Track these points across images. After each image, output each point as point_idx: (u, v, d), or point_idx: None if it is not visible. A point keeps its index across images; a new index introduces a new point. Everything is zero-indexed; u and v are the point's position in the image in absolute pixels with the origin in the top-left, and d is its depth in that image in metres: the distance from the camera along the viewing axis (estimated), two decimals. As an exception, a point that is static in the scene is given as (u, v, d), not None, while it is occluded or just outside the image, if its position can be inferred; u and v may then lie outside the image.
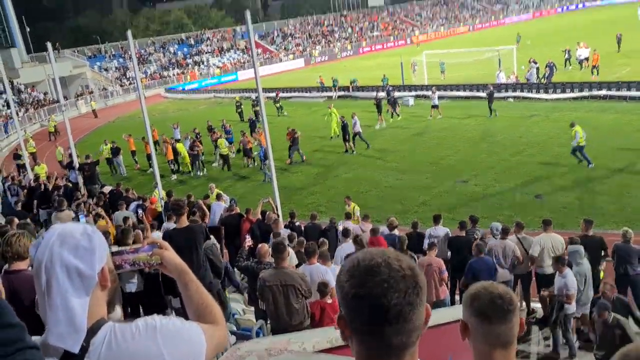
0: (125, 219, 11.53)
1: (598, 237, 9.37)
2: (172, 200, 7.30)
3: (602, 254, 9.23)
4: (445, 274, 9.00)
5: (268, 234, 10.67)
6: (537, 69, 31.74)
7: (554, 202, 14.92)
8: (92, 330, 1.48)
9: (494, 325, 1.66)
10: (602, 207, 14.08)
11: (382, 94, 29.78)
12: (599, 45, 34.73)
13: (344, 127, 22.96)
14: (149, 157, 24.04)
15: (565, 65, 34.61)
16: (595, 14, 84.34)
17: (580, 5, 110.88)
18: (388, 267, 1.24)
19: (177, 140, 24.93)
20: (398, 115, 28.48)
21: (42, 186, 15.42)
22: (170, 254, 1.80)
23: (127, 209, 13.67)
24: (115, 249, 1.73)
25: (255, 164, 22.84)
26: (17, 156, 26.12)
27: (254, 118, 27.92)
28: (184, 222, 7.01)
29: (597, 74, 30.29)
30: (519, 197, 15.62)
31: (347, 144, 23.11)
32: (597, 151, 18.52)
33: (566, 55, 35.24)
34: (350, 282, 1.24)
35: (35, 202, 14.89)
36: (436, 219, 10.88)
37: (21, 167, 24.46)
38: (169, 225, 9.64)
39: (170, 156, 23.40)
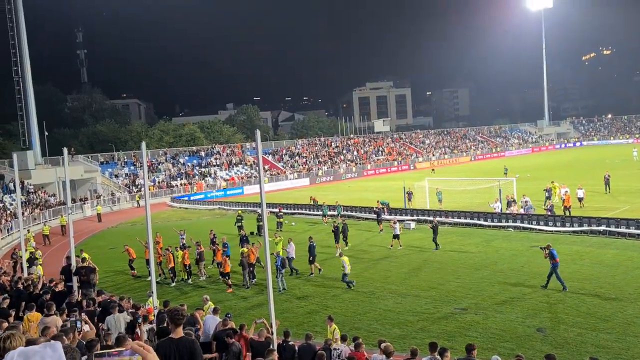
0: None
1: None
2: (172, 309, 7.17)
3: None
4: None
5: (262, 351, 10.33)
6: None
7: (556, 336, 14.50)
8: None
9: None
10: (605, 345, 13.66)
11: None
12: (589, 185, 35.93)
13: (310, 249, 23.16)
14: (147, 262, 23.99)
15: (545, 203, 34.02)
16: (591, 153, 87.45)
17: (578, 144, 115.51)
18: None
19: (183, 247, 24.86)
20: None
21: (30, 288, 15.16)
22: (153, 357, 1.79)
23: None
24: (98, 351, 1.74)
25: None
26: (14, 256, 26.01)
27: (245, 234, 28.32)
28: (180, 332, 6.85)
29: (569, 214, 30.59)
30: (520, 329, 15.22)
31: (312, 266, 23.14)
32: (597, 287, 18.37)
33: (547, 194, 35.37)
34: None
35: (23, 303, 14.57)
36: (432, 347, 10.55)
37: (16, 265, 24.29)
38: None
39: (171, 264, 23.28)
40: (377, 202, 36.49)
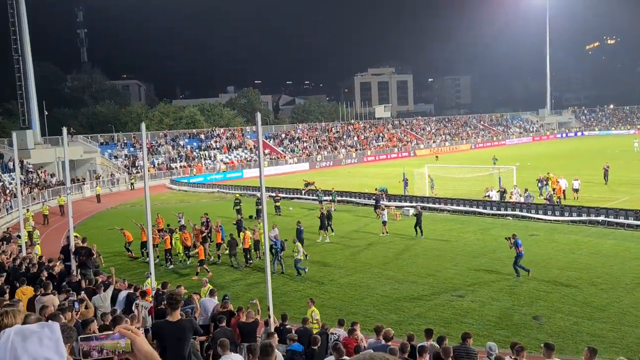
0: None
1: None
2: (168, 293, 7.23)
3: None
4: None
5: (250, 333, 10.53)
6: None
7: (552, 324, 14.58)
8: None
9: None
10: (601, 334, 13.74)
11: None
12: (588, 175, 35.85)
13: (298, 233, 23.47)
14: (143, 244, 24.05)
15: (541, 193, 34.18)
16: (592, 143, 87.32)
17: (579, 134, 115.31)
18: None
19: (182, 227, 24.87)
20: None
21: (25, 267, 15.20)
22: (142, 340, 1.76)
23: (116, 298, 13.43)
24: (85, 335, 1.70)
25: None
26: (5, 237, 25.95)
27: (241, 219, 28.37)
28: (177, 315, 6.91)
29: (559, 202, 31.04)
30: (516, 317, 15.29)
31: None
32: (594, 277, 18.45)
33: (539, 184, 34.97)
34: None
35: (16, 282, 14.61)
36: (428, 334, 10.62)
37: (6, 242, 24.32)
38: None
39: (168, 246, 23.33)
40: (376, 189, 36.48)
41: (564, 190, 32.99)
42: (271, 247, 20.93)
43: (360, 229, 29.05)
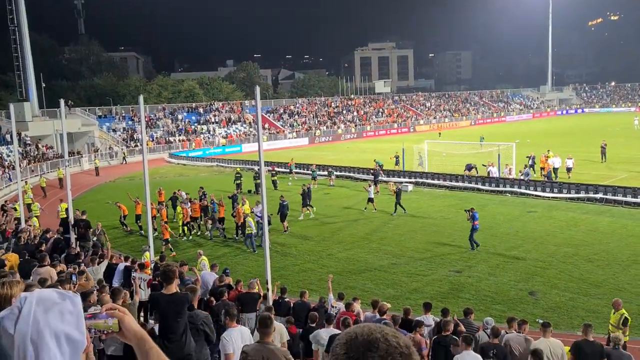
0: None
1: (599, 344, 9.07)
2: (163, 266, 7.24)
3: None
4: (425, 351, 8.93)
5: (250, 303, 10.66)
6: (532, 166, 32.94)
7: (547, 300, 14.72)
8: None
9: None
10: (596, 309, 13.87)
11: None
12: (586, 153, 35.68)
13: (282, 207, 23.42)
14: (138, 217, 24.09)
15: (524, 168, 33.20)
16: (592, 120, 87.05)
17: (580, 111, 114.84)
18: (386, 342, 1.23)
19: (190, 200, 24.98)
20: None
21: (23, 239, 15.24)
22: (130, 319, 1.72)
23: (113, 272, 13.50)
24: None
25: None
26: (2, 207, 26.00)
27: (238, 192, 28.52)
28: (172, 289, 6.93)
29: (546, 178, 31.27)
30: (512, 293, 15.42)
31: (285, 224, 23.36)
32: (591, 254, 18.56)
33: (530, 162, 34.16)
34: (347, 355, 1.23)
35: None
36: (427, 307, 10.70)
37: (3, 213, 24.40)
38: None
39: (165, 219, 23.34)
40: (374, 161, 36.38)
41: (556, 169, 32.62)
42: (257, 223, 21.20)
43: (357, 204, 29.06)
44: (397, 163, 39.11)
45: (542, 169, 33.05)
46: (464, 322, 10.22)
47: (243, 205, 23.11)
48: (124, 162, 55.09)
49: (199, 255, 15.59)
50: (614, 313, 10.91)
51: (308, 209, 26.27)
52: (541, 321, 9.46)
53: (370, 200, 26.76)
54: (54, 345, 1.37)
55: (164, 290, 7.08)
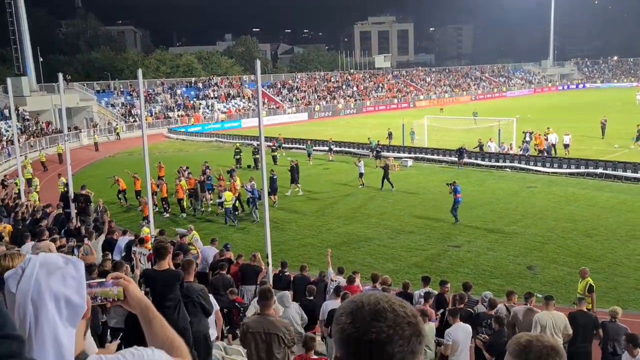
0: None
1: (593, 315, 9.21)
2: (156, 241, 7.20)
3: (595, 332, 9.04)
4: (435, 323, 9.26)
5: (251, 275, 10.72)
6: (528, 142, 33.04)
7: (545, 274, 14.83)
8: None
9: None
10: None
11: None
12: (586, 129, 35.54)
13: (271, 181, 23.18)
14: (137, 193, 24.09)
15: (522, 144, 33.28)
16: (593, 96, 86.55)
17: (581, 86, 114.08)
18: (394, 312, 1.22)
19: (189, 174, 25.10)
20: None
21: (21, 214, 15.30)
22: (134, 288, 1.76)
23: (113, 246, 13.56)
24: None
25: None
26: (3, 182, 26.03)
27: (236, 167, 28.75)
28: (165, 265, 6.91)
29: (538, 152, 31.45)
30: (511, 267, 15.53)
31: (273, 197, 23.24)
32: (590, 229, 18.64)
33: (526, 138, 33.80)
34: (353, 324, 1.21)
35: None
36: (425, 281, 10.79)
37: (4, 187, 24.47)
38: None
39: (165, 194, 23.36)
40: (368, 139, 36.35)
41: (553, 145, 32.36)
42: (249, 199, 21.66)
43: (356, 180, 29.05)
44: (389, 137, 38.90)
45: (537, 145, 32.80)
46: (463, 296, 10.33)
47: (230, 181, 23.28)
48: (118, 137, 54.67)
49: (190, 230, 15.65)
50: (580, 282, 11.44)
51: (297, 186, 26.15)
52: (540, 295, 9.58)
53: (360, 175, 26.76)
54: (53, 306, 1.40)
55: (155, 267, 7.06)
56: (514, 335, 1.77)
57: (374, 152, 32.79)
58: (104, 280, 1.71)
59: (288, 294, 10.25)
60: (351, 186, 27.34)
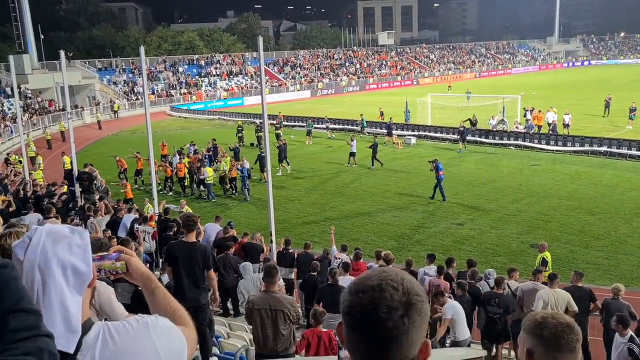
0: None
1: (587, 289, 9.32)
2: (184, 215, 7.27)
3: (591, 306, 9.13)
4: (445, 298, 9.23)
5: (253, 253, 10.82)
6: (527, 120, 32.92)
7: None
8: (84, 329, 1.46)
9: (564, 354, 1.66)
10: (596, 262, 14.04)
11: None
12: (590, 106, 35.29)
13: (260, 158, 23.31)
14: (137, 172, 24.09)
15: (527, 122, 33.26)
16: (599, 73, 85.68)
17: (586, 63, 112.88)
18: (403, 287, 1.23)
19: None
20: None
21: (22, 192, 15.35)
22: (136, 260, 1.79)
23: (118, 224, 13.61)
24: None
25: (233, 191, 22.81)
26: (6, 160, 26.11)
27: (239, 145, 28.84)
28: (192, 237, 6.96)
29: (538, 130, 31.26)
30: (514, 245, 15.57)
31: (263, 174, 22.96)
32: (593, 207, 18.62)
33: (526, 116, 33.69)
34: (361, 301, 1.23)
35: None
36: (430, 258, 10.84)
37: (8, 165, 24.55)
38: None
39: (169, 173, 23.39)
40: (360, 115, 36.35)
41: (550, 123, 31.52)
42: (242, 178, 21.76)
43: (363, 157, 28.99)
44: (381, 115, 38.52)
45: (535, 124, 32.34)
46: (475, 272, 10.42)
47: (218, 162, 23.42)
48: (116, 116, 53.95)
49: (182, 205, 15.73)
50: (537, 255, 12.20)
51: (285, 165, 26.04)
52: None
53: (352, 154, 26.66)
54: (60, 274, 1.43)
55: (184, 238, 7.09)
56: (530, 313, 1.78)
57: (384, 128, 32.58)
58: (106, 253, 1.74)
59: (250, 265, 10.63)
60: (356, 165, 27.26)
